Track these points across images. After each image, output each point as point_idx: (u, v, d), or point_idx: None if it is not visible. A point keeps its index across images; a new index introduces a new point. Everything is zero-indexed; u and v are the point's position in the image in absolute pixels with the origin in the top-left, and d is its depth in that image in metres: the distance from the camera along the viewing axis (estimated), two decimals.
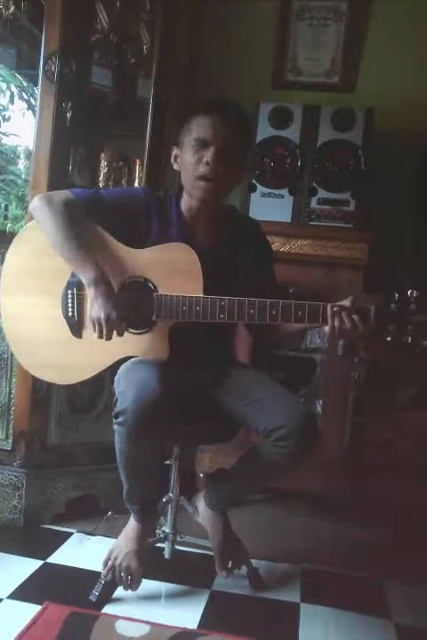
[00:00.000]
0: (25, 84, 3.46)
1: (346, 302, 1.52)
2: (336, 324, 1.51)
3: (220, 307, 1.54)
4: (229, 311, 1.54)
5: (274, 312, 1.53)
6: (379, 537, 2.27)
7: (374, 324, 1.51)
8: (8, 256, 1.70)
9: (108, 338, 1.53)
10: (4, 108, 3.53)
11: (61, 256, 1.59)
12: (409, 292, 1.50)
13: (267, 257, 1.80)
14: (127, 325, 1.58)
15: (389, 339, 1.51)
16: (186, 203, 1.69)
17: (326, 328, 1.53)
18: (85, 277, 1.55)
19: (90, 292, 1.54)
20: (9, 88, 3.55)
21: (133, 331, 1.60)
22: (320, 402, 2.49)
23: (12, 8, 2.21)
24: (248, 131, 1.71)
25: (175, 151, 1.69)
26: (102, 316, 1.51)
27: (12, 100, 3.51)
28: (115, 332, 1.53)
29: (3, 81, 3.53)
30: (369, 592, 1.90)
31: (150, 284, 1.59)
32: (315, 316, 1.53)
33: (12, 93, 3.56)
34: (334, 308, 1.51)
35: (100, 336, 1.53)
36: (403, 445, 2.37)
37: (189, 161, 1.60)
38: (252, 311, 1.53)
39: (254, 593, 1.83)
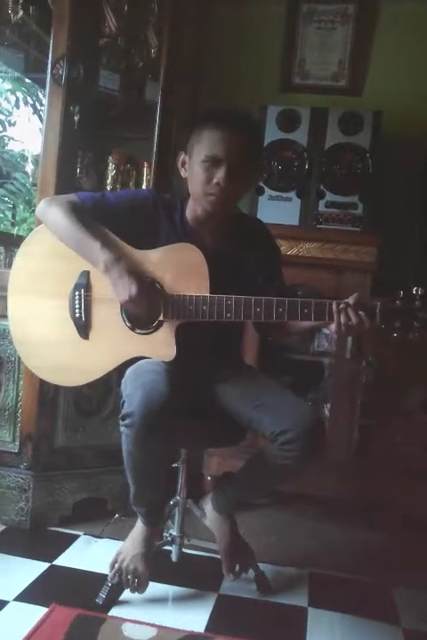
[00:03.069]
0: (28, 89, 3.49)
1: (351, 299, 1.51)
2: (342, 320, 1.50)
3: (226, 306, 1.53)
4: (236, 310, 1.53)
5: (280, 310, 1.52)
6: (387, 541, 2.25)
7: (380, 321, 1.50)
8: (16, 259, 1.71)
9: (145, 310, 1.54)
10: (10, 113, 3.56)
11: (73, 249, 1.59)
12: (414, 290, 1.50)
13: (274, 257, 1.78)
14: (134, 325, 1.58)
15: (395, 335, 1.51)
16: (192, 210, 1.67)
17: (333, 326, 1.53)
18: (101, 261, 1.54)
19: (109, 276, 1.53)
20: (14, 93, 3.58)
21: (141, 331, 1.59)
22: (328, 405, 2.48)
23: (21, 12, 2.22)
24: (260, 143, 1.69)
25: (183, 157, 1.66)
26: (128, 294, 1.50)
27: (17, 105, 3.54)
28: (120, 334, 1.53)
29: (8, 90, 3.55)
30: (377, 597, 1.89)
31: (157, 285, 1.59)
32: (321, 314, 1.52)
33: (17, 99, 3.59)
34: (340, 305, 1.51)
35: (134, 322, 1.54)
36: (412, 449, 2.36)
37: (199, 176, 1.57)
38: (258, 309, 1.53)
39: (261, 597, 1.82)
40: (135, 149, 2.47)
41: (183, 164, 1.66)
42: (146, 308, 1.54)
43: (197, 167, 1.58)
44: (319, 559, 2.08)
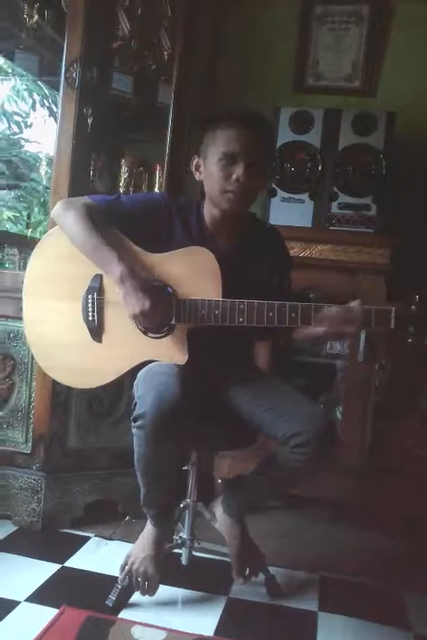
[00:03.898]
0: (47, 92, 3.53)
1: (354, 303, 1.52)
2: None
3: (239, 310, 1.53)
4: (248, 315, 1.53)
5: (293, 315, 1.52)
6: (399, 545, 2.23)
7: (395, 326, 1.50)
8: (31, 261, 1.72)
9: (153, 328, 1.55)
10: (27, 115, 3.60)
11: (87, 256, 1.60)
12: None
13: (284, 264, 1.78)
14: (147, 329, 1.59)
15: (409, 340, 1.50)
16: (209, 211, 1.67)
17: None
18: (113, 275, 1.55)
19: (121, 289, 1.53)
20: (31, 96, 3.62)
21: (153, 335, 1.60)
22: (340, 408, 2.47)
23: (36, 16, 2.24)
24: (273, 141, 1.71)
25: (197, 160, 1.67)
26: (139, 309, 1.50)
27: (33, 108, 3.58)
28: (133, 338, 1.53)
29: (26, 90, 3.60)
30: (389, 602, 1.87)
31: (170, 288, 1.59)
32: None
33: (34, 101, 3.64)
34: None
35: (146, 329, 1.55)
36: (425, 452, 2.34)
37: (217, 175, 1.58)
38: (271, 314, 1.52)
39: (272, 601, 1.81)
40: (148, 152, 2.47)
41: (198, 167, 1.67)
42: (155, 323, 1.55)
43: (213, 167, 1.59)
44: (330, 563, 2.06)
